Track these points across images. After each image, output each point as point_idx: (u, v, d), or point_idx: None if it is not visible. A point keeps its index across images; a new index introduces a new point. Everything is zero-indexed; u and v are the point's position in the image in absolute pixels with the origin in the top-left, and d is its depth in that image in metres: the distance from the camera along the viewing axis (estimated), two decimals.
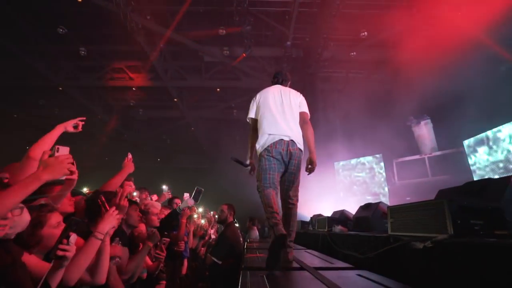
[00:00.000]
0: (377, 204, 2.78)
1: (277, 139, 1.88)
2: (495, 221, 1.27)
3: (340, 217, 3.60)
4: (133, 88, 8.99)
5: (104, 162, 12.86)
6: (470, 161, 5.16)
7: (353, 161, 7.50)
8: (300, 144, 1.96)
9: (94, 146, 9.14)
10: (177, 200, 3.39)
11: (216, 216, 3.70)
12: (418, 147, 6.48)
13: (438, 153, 5.99)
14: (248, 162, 2.18)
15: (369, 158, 7.16)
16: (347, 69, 7.75)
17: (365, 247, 1.85)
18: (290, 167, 1.90)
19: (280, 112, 2.01)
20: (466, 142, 5.27)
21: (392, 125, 6.14)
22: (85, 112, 9.77)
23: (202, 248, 3.84)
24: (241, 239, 2.93)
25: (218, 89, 9.30)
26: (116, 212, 1.37)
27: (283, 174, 1.91)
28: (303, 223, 4.60)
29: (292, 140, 1.90)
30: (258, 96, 2.20)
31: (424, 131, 6.39)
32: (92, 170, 9.03)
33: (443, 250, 1.15)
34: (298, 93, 2.18)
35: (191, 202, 2.56)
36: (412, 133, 6.59)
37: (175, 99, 9.51)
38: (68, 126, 1.55)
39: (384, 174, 6.73)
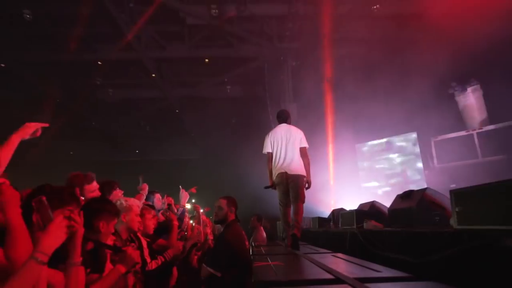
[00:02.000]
0: (422, 192, 2.62)
1: (280, 172, 3.54)
2: None
3: (371, 210, 3.49)
4: (99, 62, 8.62)
5: (69, 157, 12.67)
6: None
7: (380, 142, 7.37)
8: (298, 171, 3.51)
9: (55, 138, 8.87)
10: (157, 195, 3.36)
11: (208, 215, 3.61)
12: (464, 120, 6.31)
13: (491, 127, 5.81)
14: (270, 183, 3.64)
15: (401, 137, 7.05)
16: (369, 28, 7.41)
17: (420, 248, 1.73)
18: (292, 183, 3.48)
19: (284, 151, 3.56)
20: None
21: (429, 95, 5.93)
22: (39, 95, 9.44)
23: (196, 256, 3.71)
24: (247, 242, 2.80)
25: (206, 60, 8.97)
26: (66, 222, 1.13)
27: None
28: (321, 220, 4.51)
29: (291, 173, 3.50)
30: (270, 135, 3.72)
31: (472, 100, 6.20)
32: (53, 166, 8.81)
33: None
34: (299, 131, 3.67)
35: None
36: (456, 103, 6.42)
37: (153, 75, 9.25)
38: (26, 134, 1.55)
39: (419, 156, 6.57)
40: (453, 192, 1.66)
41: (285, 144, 3.57)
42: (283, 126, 3.70)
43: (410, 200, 2.75)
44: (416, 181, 6.50)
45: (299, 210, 3.36)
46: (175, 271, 3.01)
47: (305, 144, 3.60)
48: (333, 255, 2.27)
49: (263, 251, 3.02)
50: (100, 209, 1.76)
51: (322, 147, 7.10)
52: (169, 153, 14.30)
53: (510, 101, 5.06)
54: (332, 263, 1.86)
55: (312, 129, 7.86)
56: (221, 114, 11.36)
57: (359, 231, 2.62)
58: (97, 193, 2.13)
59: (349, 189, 7.09)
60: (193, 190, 4.16)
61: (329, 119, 7.20)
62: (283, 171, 3.50)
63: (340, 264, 1.88)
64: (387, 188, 6.91)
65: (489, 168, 5.21)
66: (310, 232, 4.59)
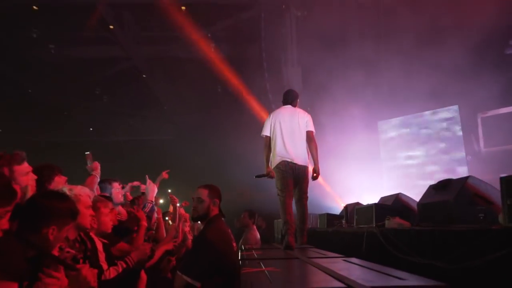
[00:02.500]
0: (464, 181, 2.67)
1: (284, 159, 3.86)
2: None
3: (395, 204, 3.57)
4: (35, 7, 8.35)
5: None
6: None
7: (409, 118, 7.37)
8: (306, 162, 3.93)
9: None
10: (115, 184, 3.37)
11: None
12: None
13: None
14: (266, 172, 3.96)
15: (436, 113, 7.06)
16: None
17: (458, 251, 1.75)
18: (296, 177, 3.87)
19: (289, 135, 3.93)
20: None
21: (476, 58, 5.87)
22: None
23: (171, 264, 3.76)
24: (234, 243, 2.82)
25: (183, 7, 8.78)
26: None
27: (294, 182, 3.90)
28: (331, 217, 4.63)
29: (295, 162, 3.85)
30: (271, 116, 4.12)
31: None
32: None
33: None
34: (306, 113, 4.07)
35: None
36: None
37: (111, 26, 9.01)
38: None
39: (461, 137, 6.59)
40: (504, 180, 1.67)
41: (289, 128, 3.96)
42: (288, 108, 4.12)
43: (446, 192, 2.81)
44: (456, 169, 6.57)
45: (305, 215, 3.81)
46: (143, 274, 3.05)
47: (311, 128, 4.01)
48: (345, 260, 2.29)
49: (255, 255, 3.03)
50: (50, 210, 1.70)
51: (332, 125, 7.13)
52: (133, 132, 14.22)
53: None
54: (344, 269, 1.87)
55: (320, 100, 7.88)
56: (202, 81, 11.21)
57: (380, 230, 2.65)
58: (32, 177, 2.09)
59: (367, 178, 7.17)
60: (164, 174, 4.18)
61: (342, 88, 7.19)
62: (288, 159, 3.85)
63: (354, 270, 1.93)
64: (418, 178, 7.00)
65: None
66: (317, 233, 4.69)
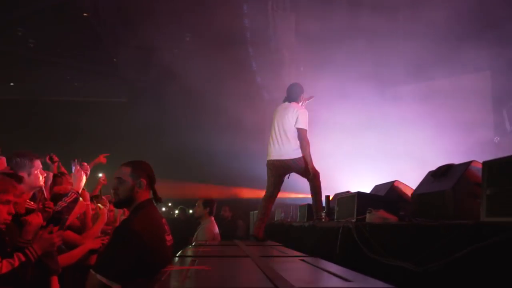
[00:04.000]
0: (465, 168, 2.77)
1: (270, 159, 4.94)
2: None
3: (389, 194, 3.68)
4: None
5: None
6: None
7: (422, 86, 7.44)
8: (292, 155, 4.78)
9: None
10: (36, 162, 3.34)
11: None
12: None
13: None
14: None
15: (458, 79, 7.20)
16: None
17: (427, 250, 1.85)
18: (286, 171, 4.95)
19: (277, 134, 4.91)
20: None
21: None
22: None
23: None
24: (168, 236, 2.89)
25: None
26: None
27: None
28: (311, 208, 4.76)
29: (282, 159, 4.83)
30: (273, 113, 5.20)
31: None
32: None
33: None
34: (296, 109, 4.83)
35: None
36: None
37: None
38: None
39: (491, 113, 6.87)
40: (487, 165, 1.76)
41: (277, 127, 4.91)
42: (282, 106, 5.02)
43: (445, 180, 2.90)
44: (480, 153, 6.67)
45: (316, 196, 4.75)
46: (55, 282, 3.08)
47: (300, 124, 4.75)
48: (302, 260, 2.39)
49: (201, 252, 3.14)
50: None
51: (329, 96, 7.22)
52: (69, 90, 14.17)
53: None
54: (288, 270, 1.97)
55: (318, 59, 7.91)
56: (165, 25, 11.12)
57: (355, 225, 2.74)
58: None
59: (369, 162, 7.36)
60: (101, 158, 4.18)
61: (343, 45, 7.24)
62: (273, 158, 4.87)
63: (299, 271, 2.01)
64: (431, 164, 7.19)
65: None
66: (292, 228, 4.82)
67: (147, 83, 13.62)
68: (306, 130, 4.79)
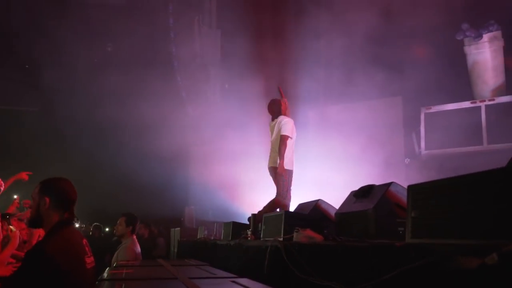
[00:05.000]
0: (385, 189, 2.88)
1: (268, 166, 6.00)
2: None
3: (313, 213, 3.76)
4: None
5: None
6: None
7: (347, 107, 7.79)
8: (275, 164, 5.71)
9: None
10: None
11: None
12: (471, 85, 6.77)
13: (506, 99, 6.35)
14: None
15: (374, 103, 7.51)
16: None
17: (355, 270, 1.89)
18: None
19: (271, 146, 5.97)
20: None
21: (420, 40, 6.53)
22: None
23: None
24: (88, 258, 2.79)
25: None
26: None
27: None
28: (237, 227, 4.82)
29: (270, 166, 5.87)
30: None
31: (487, 54, 6.57)
32: None
33: None
34: (281, 120, 5.76)
35: None
36: (464, 57, 6.83)
37: None
38: None
39: (402, 134, 7.17)
40: (411, 188, 1.82)
41: (271, 138, 5.89)
42: (275, 121, 5.88)
43: (367, 200, 3.03)
44: (390, 174, 6.90)
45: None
46: None
47: (282, 131, 5.59)
48: (234, 281, 2.37)
49: (126, 275, 3.03)
50: None
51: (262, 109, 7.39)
52: None
53: None
54: None
55: (246, 75, 8.04)
56: (84, 32, 10.64)
57: (284, 245, 2.77)
58: None
59: (307, 176, 7.52)
60: (23, 175, 3.94)
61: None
62: (268, 166, 5.88)
63: None
64: (348, 180, 7.35)
65: (496, 160, 5.96)
66: (218, 246, 4.77)
67: (61, 91, 12.97)
68: (287, 136, 5.57)
